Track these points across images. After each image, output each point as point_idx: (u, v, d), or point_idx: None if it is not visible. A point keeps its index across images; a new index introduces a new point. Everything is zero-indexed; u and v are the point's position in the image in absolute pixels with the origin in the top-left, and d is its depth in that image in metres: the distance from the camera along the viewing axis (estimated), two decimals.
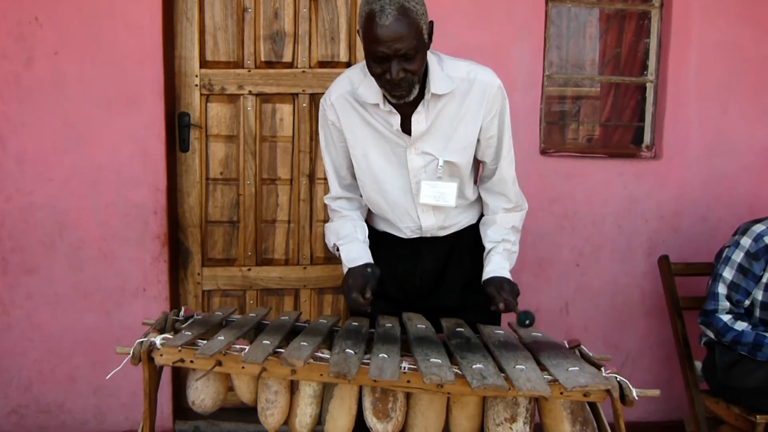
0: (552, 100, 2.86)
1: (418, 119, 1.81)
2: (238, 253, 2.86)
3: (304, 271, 2.88)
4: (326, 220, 2.82)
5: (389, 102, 1.79)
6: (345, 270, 1.89)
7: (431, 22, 1.74)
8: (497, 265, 1.88)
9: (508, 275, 1.86)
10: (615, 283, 2.85)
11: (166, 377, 2.72)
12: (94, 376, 2.75)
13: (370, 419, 1.58)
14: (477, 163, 1.96)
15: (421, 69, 1.71)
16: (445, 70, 1.80)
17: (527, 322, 1.69)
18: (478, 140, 1.87)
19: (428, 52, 1.79)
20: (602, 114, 2.91)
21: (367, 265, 1.84)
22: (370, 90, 1.80)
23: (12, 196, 2.65)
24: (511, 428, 1.55)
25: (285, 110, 2.80)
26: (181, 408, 2.88)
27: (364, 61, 1.84)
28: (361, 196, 2.04)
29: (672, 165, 2.81)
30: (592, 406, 1.61)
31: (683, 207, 2.84)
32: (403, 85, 1.69)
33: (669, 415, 2.73)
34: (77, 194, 2.66)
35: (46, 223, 2.67)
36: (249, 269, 2.85)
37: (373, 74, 1.72)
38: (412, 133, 1.83)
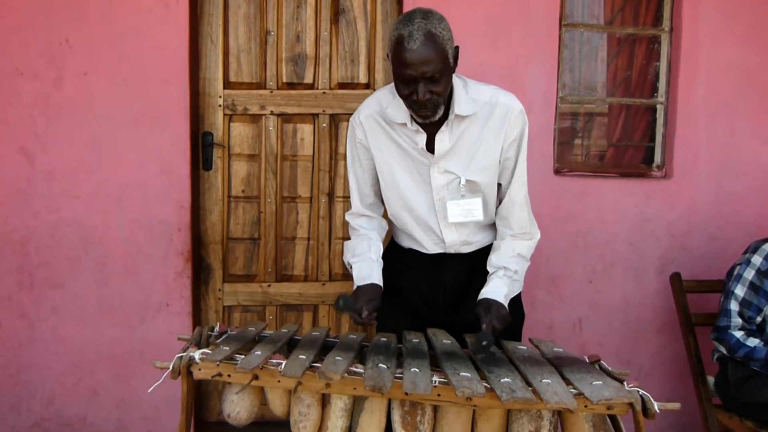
0: (565, 121, 2.93)
1: (441, 138, 1.89)
2: (258, 269, 2.92)
3: (323, 287, 2.94)
4: (345, 237, 2.90)
5: (416, 122, 1.87)
6: (354, 287, 1.96)
7: (457, 47, 1.82)
8: (492, 287, 1.92)
9: (500, 299, 1.88)
10: (627, 301, 2.91)
11: None
12: (117, 390, 2.80)
13: None
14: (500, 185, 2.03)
15: (446, 91, 1.80)
16: (469, 94, 1.88)
17: (484, 343, 1.73)
18: (499, 161, 1.94)
19: (454, 76, 1.87)
20: (613, 134, 2.99)
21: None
22: (398, 110, 1.89)
23: (40, 213, 2.72)
24: None
25: (306, 130, 2.87)
26: (203, 422, 2.93)
27: (392, 84, 1.93)
28: (382, 216, 2.12)
29: (682, 184, 2.88)
30: (613, 418, 1.66)
31: (693, 226, 2.90)
32: (429, 106, 1.78)
33: (682, 430, 2.78)
34: (103, 211, 2.73)
35: (72, 238, 2.73)
36: (269, 285, 2.91)
37: (401, 95, 1.81)
38: (435, 152, 1.90)
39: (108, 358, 2.79)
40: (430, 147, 1.91)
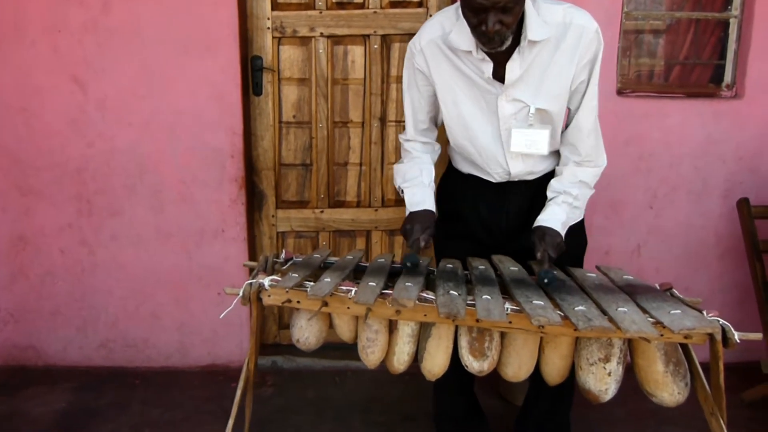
0: (629, 38, 2.77)
1: (512, 67, 1.78)
2: (311, 195, 2.91)
3: (375, 213, 2.92)
4: (398, 160, 2.85)
5: (482, 49, 1.77)
6: (407, 213, 1.92)
7: None
8: (550, 214, 1.86)
9: (557, 226, 1.82)
10: (689, 226, 2.82)
11: (245, 315, 2.83)
12: (177, 314, 2.87)
13: (467, 358, 1.64)
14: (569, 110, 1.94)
15: (516, 22, 1.68)
16: (541, 15, 1.76)
17: (546, 281, 1.67)
18: (570, 86, 1.84)
19: None
20: (680, 52, 2.82)
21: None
22: (462, 36, 1.78)
23: (94, 141, 2.73)
24: (604, 368, 1.59)
25: (356, 52, 2.78)
26: (260, 344, 3.00)
27: (457, 5, 1.81)
28: (436, 140, 2.05)
29: (754, 104, 2.72)
30: (684, 347, 1.63)
31: (764, 147, 2.75)
32: (496, 38, 1.67)
33: (742, 357, 2.72)
34: (156, 138, 2.72)
35: (127, 166, 2.75)
36: (322, 211, 2.91)
37: (468, 24, 1.70)
38: (506, 81, 1.81)
39: (167, 283, 2.85)
40: (498, 75, 1.81)
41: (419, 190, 1.93)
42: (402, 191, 1.98)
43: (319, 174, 2.88)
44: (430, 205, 1.92)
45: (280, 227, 2.92)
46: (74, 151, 2.73)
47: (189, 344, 2.91)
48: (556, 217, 1.84)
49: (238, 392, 1.73)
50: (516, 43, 1.75)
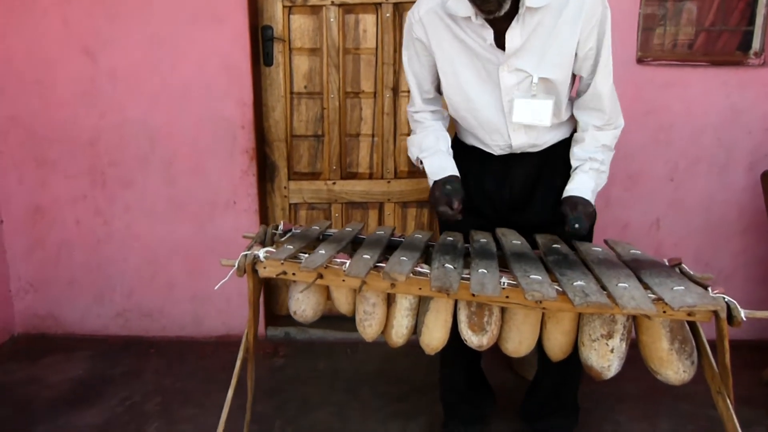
0: (652, 4, 2.66)
1: (512, 35, 1.72)
2: (323, 167, 2.88)
3: (388, 184, 2.89)
4: (410, 133, 2.81)
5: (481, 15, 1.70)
6: (430, 183, 1.88)
7: None
8: (579, 183, 1.82)
9: (587, 195, 1.79)
10: (710, 199, 2.73)
11: None
12: (191, 284, 2.90)
13: (466, 332, 1.61)
14: (574, 78, 1.87)
15: None
16: None
17: (576, 225, 1.67)
18: (576, 54, 1.77)
19: None
20: (706, 18, 2.69)
21: (447, 180, 1.80)
22: (460, 2, 1.72)
23: (106, 113, 2.74)
24: (607, 344, 1.55)
25: (368, 21, 2.72)
26: (273, 315, 3.02)
27: None
28: (445, 107, 2.00)
29: None
30: (691, 324, 1.58)
31: None
32: (492, 1, 1.61)
33: (759, 334, 2.67)
34: (167, 110, 2.72)
35: (139, 138, 2.76)
36: (334, 183, 2.88)
37: None
38: (507, 50, 1.74)
39: (181, 254, 2.87)
40: (500, 44, 1.75)
41: (438, 158, 1.90)
42: (421, 162, 1.94)
43: (331, 145, 2.86)
44: (452, 170, 1.88)
45: (292, 199, 2.91)
46: (87, 123, 2.74)
47: (203, 314, 2.94)
48: (585, 185, 1.81)
49: (238, 363, 1.74)
50: (515, 10, 1.68)
